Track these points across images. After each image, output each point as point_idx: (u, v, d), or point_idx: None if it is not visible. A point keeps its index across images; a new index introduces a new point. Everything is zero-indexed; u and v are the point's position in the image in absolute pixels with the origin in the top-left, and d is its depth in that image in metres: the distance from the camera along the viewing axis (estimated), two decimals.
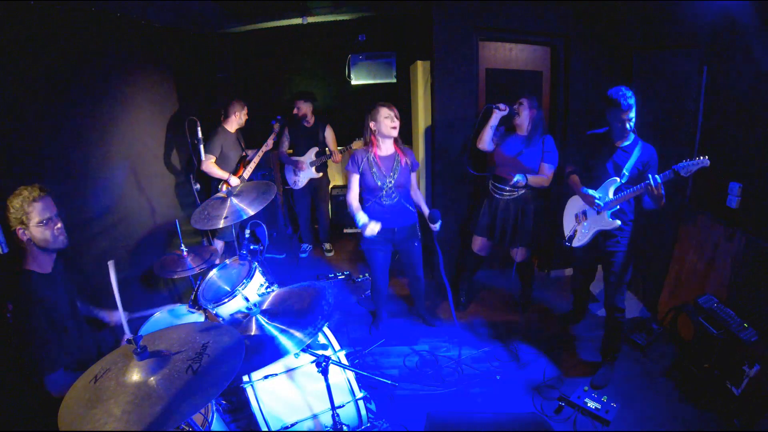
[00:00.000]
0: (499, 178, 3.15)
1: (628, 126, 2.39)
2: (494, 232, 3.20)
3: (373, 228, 2.68)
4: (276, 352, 1.59)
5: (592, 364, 2.82)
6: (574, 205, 2.82)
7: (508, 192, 3.10)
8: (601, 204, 2.53)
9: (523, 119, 3.01)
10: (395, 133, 2.72)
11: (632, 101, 2.34)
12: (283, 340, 1.64)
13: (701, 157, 2.14)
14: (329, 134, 4.31)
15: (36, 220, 1.66)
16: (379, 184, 2.75)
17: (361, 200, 2.88)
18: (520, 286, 3.52)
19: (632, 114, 2.36)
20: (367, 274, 4.11)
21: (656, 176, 2.23)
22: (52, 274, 1.79)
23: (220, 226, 2.54)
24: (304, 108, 4.18)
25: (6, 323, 1.69)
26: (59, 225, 1.74)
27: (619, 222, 2.52)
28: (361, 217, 2.70)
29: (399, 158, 2.79)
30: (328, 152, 4.27)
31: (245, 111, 3.83)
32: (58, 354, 1.65)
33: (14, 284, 1.69)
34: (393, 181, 2.76)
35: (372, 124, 2.72)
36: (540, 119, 3.01)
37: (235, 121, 3.79)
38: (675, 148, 3.02)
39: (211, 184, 3.85)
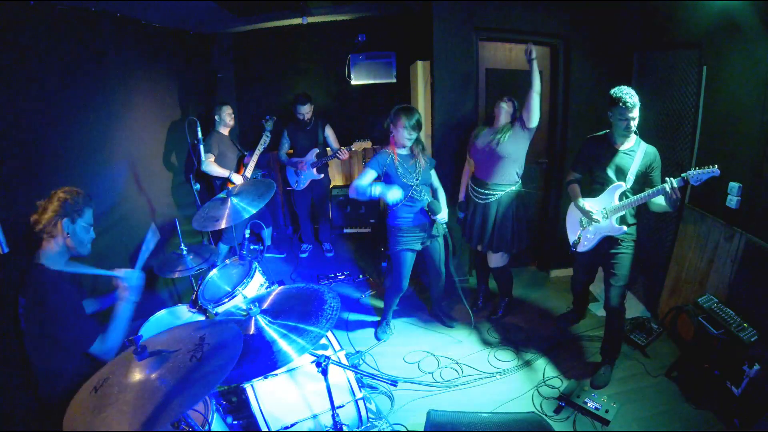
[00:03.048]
0: (477, 180, 3.10)
1: (632, 126, 2.38)
2: (472, 236, 3.15)
3: (396, 193, 2.62)
4: (282, 358, 1.58)
5: (592, 364, 2.82)
6: (577, 211, 2.80)
7: (483, 195, 3.04)
8: (599, 220, 2.55)
9: (500, 121, 2.97)
10: (410, 143, 2.73)
11: (636, 100, 2.33)
12: (285, 345, 1.63)
13: (712, 167, 2.12)
14: (330, 133, 4.30)
15: (84, 223, 1.81)
16: (405, 180, 2.74)
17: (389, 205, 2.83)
18: (498, 292, 3.43)
19: (636, 114, 2.35)
20: (367, 274, 4.12)
21: (673, 180, 2.20)
22: (60, 272, 1.82)
23: (222, 226, 2.54)
24: (309, 112, 4.15)
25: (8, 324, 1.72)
26: (92, 233, 1.90)
27: (625, 227, 2.50)
28: (376, 188, 2.63)
29: (415, 155, 2.78)
30: (330, 152, 4.25)
31: (230, 110, 3.89)
32: (92, 325, 1.77)
33: (29, 278, 1.71)
34: (420, 179, 2.77)
35: (392, 127, 2.72)
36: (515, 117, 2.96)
37: (224, 122, 3.86)
38: (675, 148, 3.02)
39: (214, 184, 3.86)
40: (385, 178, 2.77)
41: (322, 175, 4.34)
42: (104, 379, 1.33)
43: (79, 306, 1.78)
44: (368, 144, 4.02)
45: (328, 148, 4.32)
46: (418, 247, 2.90)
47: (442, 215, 2.79)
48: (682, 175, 2.20)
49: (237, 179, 3.74)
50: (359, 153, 5.10)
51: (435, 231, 2.92)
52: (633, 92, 2.34)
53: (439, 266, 3.05)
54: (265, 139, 3.98)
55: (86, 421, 1.19)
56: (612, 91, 2.39)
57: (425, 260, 3.09)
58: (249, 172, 3.91)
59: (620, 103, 2.33)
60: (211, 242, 3.98)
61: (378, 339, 3.20)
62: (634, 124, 2.38)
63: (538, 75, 2.72)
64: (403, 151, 2.79)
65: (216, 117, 3.85)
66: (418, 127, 2.69)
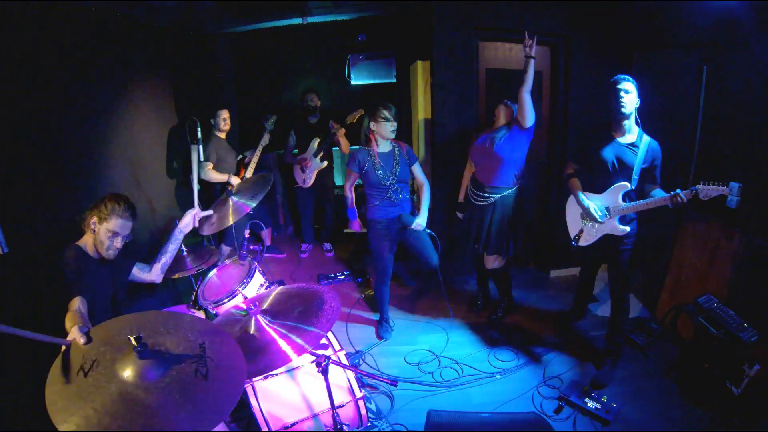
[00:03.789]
0: (475, 181, 3.08)
1: (624, 101, 2.33)
2: (470, 237, 3.15)
3: (355, 227, 3.02)
4: (281, 357, 1.58)
5: (592, 365, 2.82)
6: (577, 204, 2.77)
7: (479, 197, 3.02)
8: (600, 221, 2.54)
9: (499, 123, 2.95)
10: (393, 135, 2.81)
11: (630, 80, 2.33)
12: (285, 345, 1.63)
13: (723, 186, 2.12)
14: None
15: (108, 227, 1.95)
16: (383, 181, 2.82)
17: (366, 196, 2.97)
18: (498, 294, 3.43)
19: (629, 88, 2.33)
20: (367, 274, 4.12)
21: (682, 192, 2.21)
22: (98, 261, 1.99)
23: (230, 223, 2.61)
24: (316, 99, 4.19)
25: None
26: (118, 243, 2.00)
27: (628, 228, 2.49)
28: (352, 214, 3.03)
29: (397, 153, 2.87)
30: (331, 133, 4.15)
31: (225, 115, 3.81)
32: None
33: (61, 250, 1.93)
34: (396, 177, 2.84)
35: (372, 125, 2.79)
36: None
37: (219, 127, 3.80)
38: (675, 148, 3.01)
39: (213, 188, 3.84)
40: (364, 176, 2.84)
41: (326, 163, 4.30)
42: (93, 361, 1.25)
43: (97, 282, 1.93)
44: (361, 111, 3.94)
45: (331, 131, 4.24)
46: (395, 238, 3.00)
47: (418, 222, 2.88)
48: (692, 188, 2.19)
49: (236, 182, 3.73)
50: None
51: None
52: (628, 76, 2.36)
53: (428, 253, 3.00)
54: (265, 139, 3.97)
55: (76, 405, 1.12)
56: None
57: (412, 251, 3.06)
58: (249, 173, 3.91)
59: (613, 83, 2.37)
60: (212, 243, 3.97)
61: (381, 337, 3.20)
62: (627, 99, 2.34)
63: (532, 73, 2.67)
64: (385, 149, 2.86)
65: (212, 121, 3.80)
66: (396, 117, 2.79)
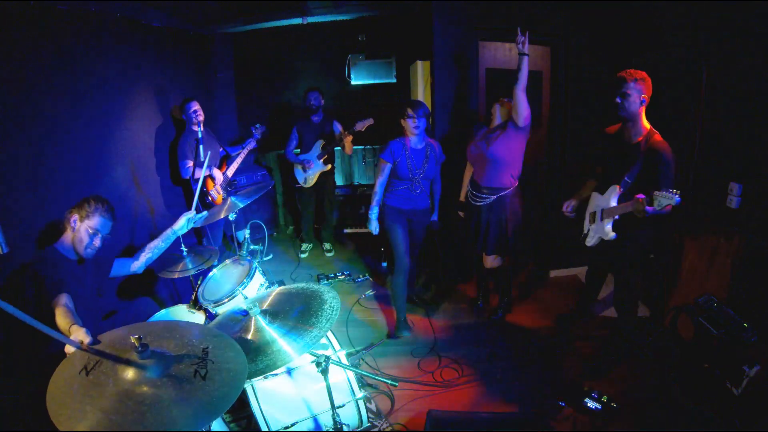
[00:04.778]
0: (473, 182, 3.08)
1: (619, 103, 2.28)
2: (469, 236, 3.16)
3: (374, 228, 3.07)
4: (281, 357, 1.59)
5: (592, 365, 2.82)
6: (591, 204, 2.72)
7: (477, 198, 3.02)
8: (592, 220, 2.59)
9: (495, 122, 2.93)
10: (416, 132, 2.92)
11: (629, 76, 2.26)
12: (284, 345, 1.64)
13: (675, 193, 2.04)
14: (339, 128, 4.25)
15: (90, 225, 2.02)
16: (412, 175, 2.98)
17: (390, 184, 3.07)
18: (498, 293, 3.41)
19: (628, 91, 2.26)
20: (367, 274, 4.11)
21: (641, 198, 2.17)
22: (74, 262, 2.02)
23: (222, 215, 2.67)
24: (318, 98, 4.18)
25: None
26: (98, 242, 2.06)
27: (614, 234, 2.45)
28: (373, 214, 3.07)
29: (429, 151, 3.01)
30: (338, 138, 4.15)
31: (195, 107, 3.56)
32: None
33: (39, 254, 1.98)
34: (424, 173, 3.00)
35: (402, 122, 2.95)
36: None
37: (195, 119, 3.56)
38: (676, 149, 3.00)
39: (192, 186, 3.78)
40: (397, 166, 2.97)
41: (329, 166, 4.30)
42: (96, 362, 1.29)
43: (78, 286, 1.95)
44: (371, 121, 3.96)
45: (336, 136, 4.22)
46: (406, 223, 3.12)
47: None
48: (652, 193, 2.13)
49: (218, 174, 3.65)
50: (364, 152, 5.11)
51: (426, 217, 3.21)
52: (633, 71, 2.27)
53: (414, 249, 3.27)
54: (251, 144, 3.93)
55: (77, 401, 1.15)
56: None
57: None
58: (231, 171, 3.85)
59: (617, 78, 2.31)
60: (212, 243, 3.97)
61: (399, 336, 3.16)
62: (626, 102, 2.28)
63: (526, 71, 2.64)
64: (417, 145, 2.99)
65: (184, 117, 3.59)
66: (424, 116, 2.90)
